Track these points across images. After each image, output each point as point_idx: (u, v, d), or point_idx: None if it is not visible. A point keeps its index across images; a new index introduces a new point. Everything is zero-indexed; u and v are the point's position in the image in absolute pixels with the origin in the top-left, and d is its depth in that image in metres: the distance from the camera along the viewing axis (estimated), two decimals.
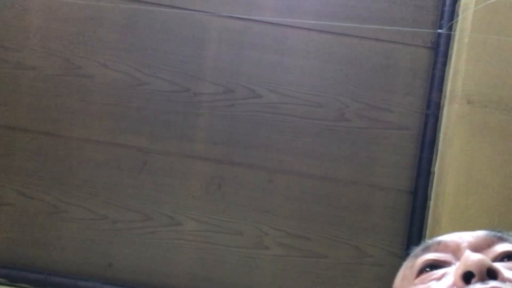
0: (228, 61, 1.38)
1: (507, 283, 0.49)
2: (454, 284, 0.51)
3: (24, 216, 1.38)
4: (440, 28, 1.34)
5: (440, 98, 1.35)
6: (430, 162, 1.34)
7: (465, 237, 0.58)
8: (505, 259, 0.55)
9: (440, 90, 1.35)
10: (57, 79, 1.38)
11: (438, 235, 0.62)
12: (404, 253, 0.65)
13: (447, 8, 1.34)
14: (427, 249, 0.59)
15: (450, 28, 1.34)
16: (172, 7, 1.37)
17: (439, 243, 0.59)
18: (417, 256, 0.59)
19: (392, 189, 1.37)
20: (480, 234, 0.58)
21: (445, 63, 1.34)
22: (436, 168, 1.33)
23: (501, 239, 0.58)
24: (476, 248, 0.56)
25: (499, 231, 0.59)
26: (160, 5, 1.37)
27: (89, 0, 1.36)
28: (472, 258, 0.50)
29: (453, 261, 0.56)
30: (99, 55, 1.38)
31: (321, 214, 1.37)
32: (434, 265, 0.57)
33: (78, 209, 1.37)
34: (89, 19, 1.38)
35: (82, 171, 1.38)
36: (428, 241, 0.61)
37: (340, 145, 1.37)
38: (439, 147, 1.33)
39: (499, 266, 0.52)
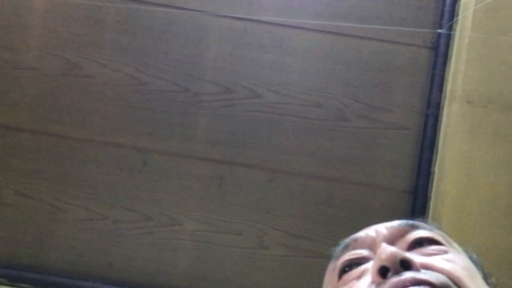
0: (228, 61, 1.38)
1: (421, 270, 0.49)
2: (372, 280, 0.51)
3: (24, 216, 1.38)
4: (440, 28, 1.34)
5: (440, 98, 1.35)
6: (430, 162, 1.34)
7: (380, 230, 0.59)
8: (417, 246, 0.56)
9: (440, 90, 1.35)
10: (57, 79, 1.38)
11: None
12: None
13: (447, 8, 1.34)
14: (345, 249, 0.60)
15: (450, 28, 1.34)
16: (172, 7, 1.37)
17: (356, 240, 0.60)
18: (337, 258, 0.60)
19: (392, 189, 1.37)
20: (393, 224, 0.59)
21: (445, 63, 1.34)
22: (436, 168, 1.33)
23: (414, 227, 0.58)
24: (391, 239, 0.57)
25: (411, 219, 0.60)
26: (160, 5, 1.37)
27: (89, 0, 1.36)
28: (385, 252, 0.50)
29: (372, 256, 0.56)
30: (99, 55, 1.38)
31: (321, 214, 1.37)
32: (353, 263, 0.57)
33: (78, 209, 1.37)
34: (89, 19, 1.38)
35: (82, 171, 1.38)
36: (346, 240, 0.61)
37: (340, 145, 1.37)
38: (439, 147, 1.33)
39: (412, 254, 0.52)
